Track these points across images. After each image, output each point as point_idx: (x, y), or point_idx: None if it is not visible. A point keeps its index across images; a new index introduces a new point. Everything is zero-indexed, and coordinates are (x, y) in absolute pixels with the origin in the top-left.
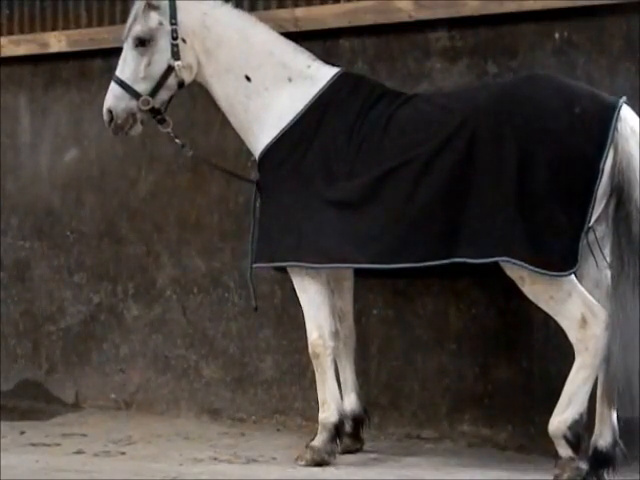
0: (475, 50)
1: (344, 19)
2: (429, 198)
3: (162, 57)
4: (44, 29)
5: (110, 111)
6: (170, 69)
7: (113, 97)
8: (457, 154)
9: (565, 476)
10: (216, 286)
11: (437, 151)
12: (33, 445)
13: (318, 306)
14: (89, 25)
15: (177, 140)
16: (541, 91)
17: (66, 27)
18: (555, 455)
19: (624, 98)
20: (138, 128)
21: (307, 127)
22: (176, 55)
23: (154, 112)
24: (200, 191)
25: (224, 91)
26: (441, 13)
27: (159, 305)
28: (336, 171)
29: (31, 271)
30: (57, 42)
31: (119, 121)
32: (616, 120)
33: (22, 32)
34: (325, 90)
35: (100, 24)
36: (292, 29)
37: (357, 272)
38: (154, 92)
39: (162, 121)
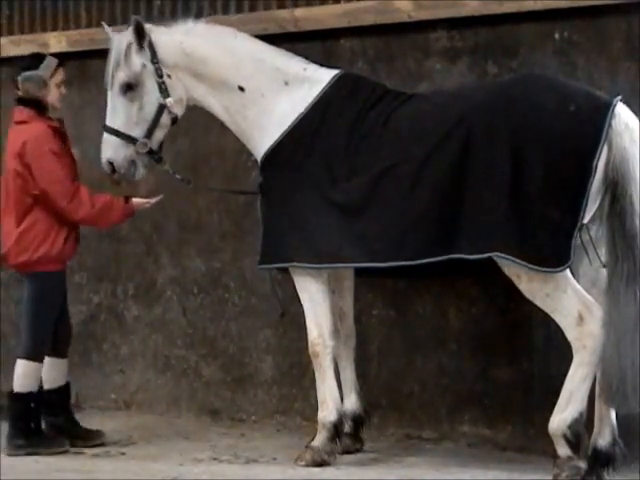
0: (475, 50)
1: (344, 19)
2: (426, 196)
3: (152, 98)
4: (44, 29)
5: (111, 162)
6: (162, 107)
7: (110, 148)
8: (453, 152)
9: (564, 475)
10: (216, 286)
11: (433, 150)
12: None
13: (318, 305)
14: (89, 25)
15: (177, 176)
16: (536, 90)
17: (66, 27)
18: (554, 455)
19: (619, 97)
20: (141, 171)
21: (309, 128)
22: (165, 93)
23: (150, 153)
24: (200, 191)
25: (221, 105)
26: (441, 13)
27: (159, 305)
28: (337, 171)
29: None
30: (57, 42)
31: (122, 171)
32: (610, 118)
33: (22, 32)
34: (326, 91)
35: (100, 24)
36: (292, 29)
37: (358, 272)
38: (149, 133)
39: (159, 160)
